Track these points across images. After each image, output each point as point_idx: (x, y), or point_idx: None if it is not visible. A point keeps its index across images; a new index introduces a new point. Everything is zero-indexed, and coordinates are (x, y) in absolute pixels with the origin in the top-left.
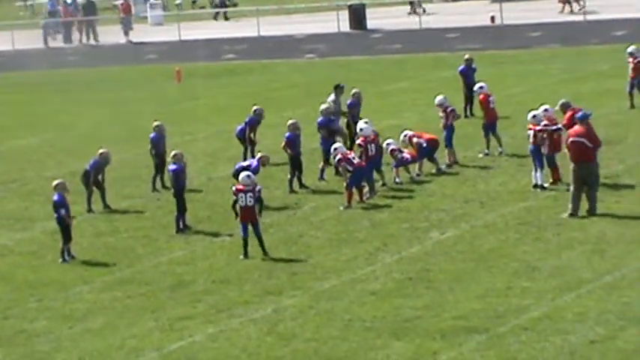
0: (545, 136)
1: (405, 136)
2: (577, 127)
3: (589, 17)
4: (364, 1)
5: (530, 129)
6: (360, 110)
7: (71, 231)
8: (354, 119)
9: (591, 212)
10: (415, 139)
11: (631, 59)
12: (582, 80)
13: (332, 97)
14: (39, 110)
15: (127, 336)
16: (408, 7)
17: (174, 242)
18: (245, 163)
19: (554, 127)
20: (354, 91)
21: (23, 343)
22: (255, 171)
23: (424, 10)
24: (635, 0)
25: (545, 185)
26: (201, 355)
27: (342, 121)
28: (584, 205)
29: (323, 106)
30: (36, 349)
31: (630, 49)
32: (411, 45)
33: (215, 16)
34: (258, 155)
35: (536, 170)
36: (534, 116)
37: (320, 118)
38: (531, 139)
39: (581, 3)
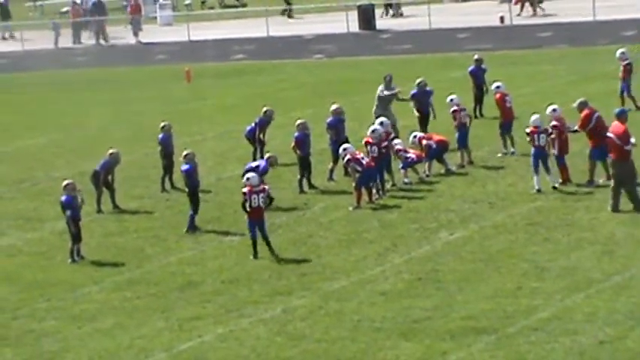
0: (554, 136)
1: (415, 137)
2: (615, 124)
3: (598, 17)
4: (373, 2)
5: (532, 132)
6: (429, 99)
7: (81, 232)
8: (423, 108)
9: (637, 209)
10: (425, 141)
11: (621, 62)
12: (591, 81)
13: (381, 87)
14: (48, 110)
15: (136, 336)
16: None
17: (184, 242)
18: (254, 164)
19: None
20: (418, 80)
21: (32, 343)
22: (264, 171)
23: (401, 14)
24: None
25: (556, 185)
26: (211, 355)
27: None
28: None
29: (333, 107)
30: (45, 349)
31: (618, 52)
32: (420, 45)
33: (283, 12)
34: (267, 156)
35: (537, 174)
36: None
37: (330, 119)
38: (544, 142)
39: (541, 6)
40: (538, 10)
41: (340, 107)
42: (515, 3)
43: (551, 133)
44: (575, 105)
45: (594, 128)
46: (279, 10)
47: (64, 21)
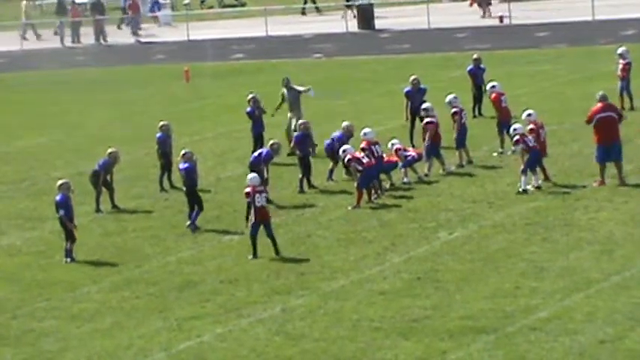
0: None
1: (392, 145)
2: None
3: (598, 17)
4: (372, 1)
5: (521, 139)
6: (423, 97)
7: (74, 232)
8: (415, 106)
9: None
10: (401, 152)
11: (621, 60)
12: (590, 80)
13: (284, 90)
14: (47, 110)
15: (135, 336)
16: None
17: (183, 242)
18: (256, 153)
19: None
20: (412, 78)
21: (31, 343)
22: (267, 158)
23: (354, 16)
24: None
25: (540, 185)
26: (210, 355)
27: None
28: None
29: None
30: (44, 349)
31: (620, 50)
32: (419, 45)
33: (317, 10)
34: (270, 142)
35: (527, 174)
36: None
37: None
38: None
39: (490, 8)
40: (487, 11)
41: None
42: (471, 4)
43: (534, 132)
44: (597, 96)
45: (596, 126)
46: (278, 9)
47: (131, 17)
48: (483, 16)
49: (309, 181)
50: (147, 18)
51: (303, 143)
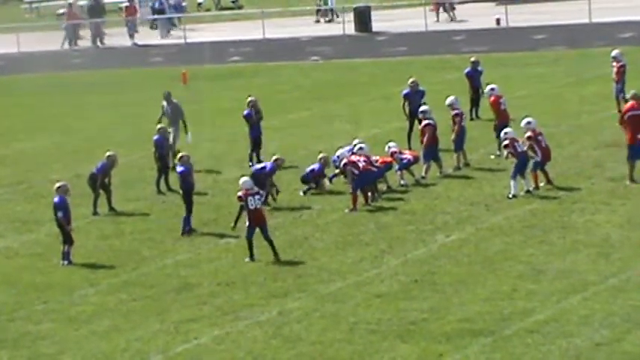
0: (528, 147)
1: (389, 148)
2: None
3: (595, 20)
4: (369, 4)
5: (510, 143)
6: (421, 99)
7: (71, 235)
8: (413, 108)
9: None
10: (396, 155)
11: (615, 63)
12: (587, 83)
13: (164, 103)
14: (45, 113)
15: (132, 338)
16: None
17: (180, 245)
18: (259, 166)
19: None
20: (410, 80)
21: (28, 346)
22: (271, 171)
23: (337, 15)
24: None
25: (530, 189)
26: (207, 357)
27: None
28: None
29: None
30: (41, 352)
31: (614, 53)
32: (416, 47)
33: (317, 13)
34: (274, 157)
35: (516, 179)
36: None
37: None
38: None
39: (452, 13)
40: (452, 15)
41: None
42: (432, 10)
43: (532, 139)
44: (628, 95)
45: (627, 125)
46: (274, 12)
47: (57, 23)
48: (437, 20)
49: (316, 183)
50: (144, 21)
51: (319, 175)
